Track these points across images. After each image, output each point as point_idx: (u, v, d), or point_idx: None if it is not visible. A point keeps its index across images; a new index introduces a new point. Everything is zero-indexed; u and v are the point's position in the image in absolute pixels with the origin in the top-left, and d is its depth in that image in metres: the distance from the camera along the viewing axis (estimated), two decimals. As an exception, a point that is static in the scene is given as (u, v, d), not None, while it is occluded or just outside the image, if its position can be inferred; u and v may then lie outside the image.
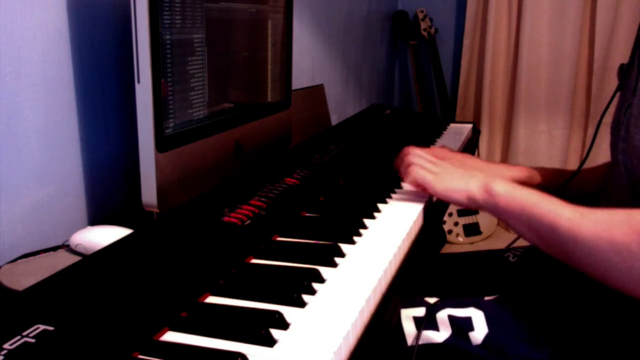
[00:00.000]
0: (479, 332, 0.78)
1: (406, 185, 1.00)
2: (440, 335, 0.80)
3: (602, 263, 0.67)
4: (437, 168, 0.89)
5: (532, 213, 0.74)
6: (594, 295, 0.79)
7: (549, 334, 0.76)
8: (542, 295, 0.83)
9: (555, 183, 1.03)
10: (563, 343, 0.76)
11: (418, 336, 0.80)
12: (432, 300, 0.84)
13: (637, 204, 0.80)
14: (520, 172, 1.09)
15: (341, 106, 2.17)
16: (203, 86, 0.92)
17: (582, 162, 0.99)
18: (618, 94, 0.91)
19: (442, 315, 0.81)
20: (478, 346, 0.78)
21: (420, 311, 0.82)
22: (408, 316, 0.82)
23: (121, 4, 0.99)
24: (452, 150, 1.16)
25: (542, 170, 1.09)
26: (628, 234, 0.64)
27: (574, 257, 0.70)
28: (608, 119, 0.94)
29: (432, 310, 0.81)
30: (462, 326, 0.79)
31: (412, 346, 0.80)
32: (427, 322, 0.80)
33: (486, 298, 0.83)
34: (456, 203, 0.85)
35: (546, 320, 0.78)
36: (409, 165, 0.91)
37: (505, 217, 0.79)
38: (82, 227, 0.87)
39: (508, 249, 1.04)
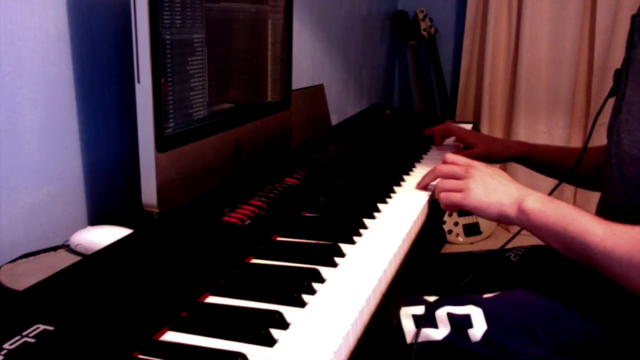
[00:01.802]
0: (478, 329, 0.78)
1: (407, 185, 1.00)
2: (440, 332, 0.80)
3: (637, 281, 0.69)
4: (464, 183, 0.86)
5: (566, 231, 0.75)
6: (597, 294, 0.79)
7: (550, 328, 0.77)
8: (543, 289, 0.83)
9: (560, 161, 1.06)
10: (565, 339, 0.76)
11: (417, 334, 0.80)
12: (431, 298, 0.84)
13: (630, 205, 0.82)
14: (526, 148, 1.12)
15: (341, 106, 2.17)
16: (203, 86, 0.92)
17: (582, 152, 1.00)
18: (614, 97, 0.93)
19: (441, 313, 0.81)
20: (477, 343, 0.78)
21: (420, 309, 0.82)
22: (407, 314, 0.82)
23: (121, 4, 0.99)
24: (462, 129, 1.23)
25: (547, 148, 1.12)
26: None
27: (609, 274, 0.72)
28: (606, 119, 0.94)
29: (431, 308, 0.81)
30: (461, 323, 0.79)
31: (411, 344, 0.80)
32: (426, 320, 0.81)
33: (485, 295, 0.83)
34: (487, 218, 0.85)
35: (547, 314, 0.78)
36: (438, 193, 0.89)
37: (538, 234, 0.79)
38: (82, 227, 0.87)
39: (509, 248, 1.04)
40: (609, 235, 0.71)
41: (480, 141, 1.25)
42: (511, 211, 0.81)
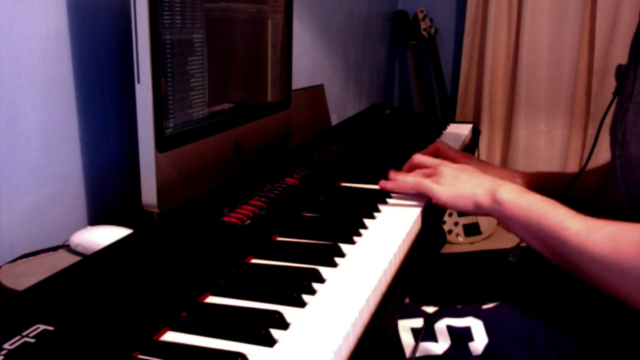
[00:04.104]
0: (479, 342, 0.77)
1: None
2: (440, 346, 0.79)
3: (610, 280, 0.67)
4: (440, 178, 0.85)
5: (539, 224, 0.73)
6: (595, 295, 0.79)
7: (551, 338, 0.76)
8: (543, 296, 0.82)
9: (554, 187, 1.02)
10: (566, 349, 0.75)
11: (416, 348, 0.79)
12: (430, 309, 0.83)
13: (634, 209, 0.80)
14: (520, 176, 1.08)
15: (341, 106, 2.17)
16: (203, 86, 0.92)
17: (584, 166, 0.98)
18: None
19: (441, 326, 0.79)
20: (478, 357, 0.77)
21: (418, 322, 0.81)
22: (406, 327, 0.81)
23: (121, 4, 0.99)
24: (452, 149, 1.16)
25: (540, 175, 1.08)
26: (637, 255, 0.64)
27: (582, 271, 0.70)
28: (609, 118, 0.93)
29: (430, 320, 0.80)
30: (461, 336, 0.78)
31: (410, 359, 0.79)
32: (425, 333, 0.79)
33: (484, 307, 0.82)
34: (463, 210, 0.83)
35: (548, 324, 0.77)
36: (412, 177, 0.88)
37: (511, 225, 0.78)
38: (82, 227, 0.87)
39: (508, 248, 1.04)
40: (584, 231, 0.69)
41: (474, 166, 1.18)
42: (485, 201, 0.79)
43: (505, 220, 0.78)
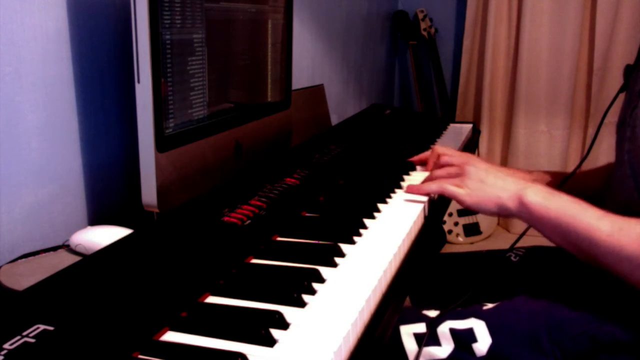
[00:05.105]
0: (483, 343, 0.77)
1: (407, 185, 1.00)
2: (443, 350, 0.78)
3: None
4: (466, 180, 0.85)
5: (569, 226, 0.73)
6: (599, 296, 0.79)
7: (555, 337, 0.76)
8: (545, 295, 0.82)
9: (555, 186, 1.02)
10: (570, 346, 0.75)
11: (419, 353, 0.78)
12: (431, 313, 0.82)
13: None
14: (524, 176, 1.08)
15: (341, 106, 2.17)
16: (203, 86, 0.92)
17: (582, 160, 0.98)
18: (623, 94, 0.91)
19: (444, 329, 0.79)
20: (483, 358, 0.77)
21: (421, 327, 0.80)
22: (408, 333, 0.80)
23: (121, 4, 0.99)
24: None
25: (547, 174, 1.09)
26: None
27: (614, 271, 0.70)
28: (611, 118, 0.94)
29: (432, 324, 0.80)
30: (464, 338, 0.78)
31: None
32: (428, 338, 0.79)
33: (485, 307, 0.82)
34: (488, 213, 0.83)
35: (550, 322, 0.77)
36: (435, 178, 0.89)
37: (540, 227, 0.77)
38: (82, 227, 0.87)
39: (509, 249, 1.04)
40: (616, 231, 0.69)
41: None
42: (511, 204, 0.79)
43: (533, 222, 0.78)
